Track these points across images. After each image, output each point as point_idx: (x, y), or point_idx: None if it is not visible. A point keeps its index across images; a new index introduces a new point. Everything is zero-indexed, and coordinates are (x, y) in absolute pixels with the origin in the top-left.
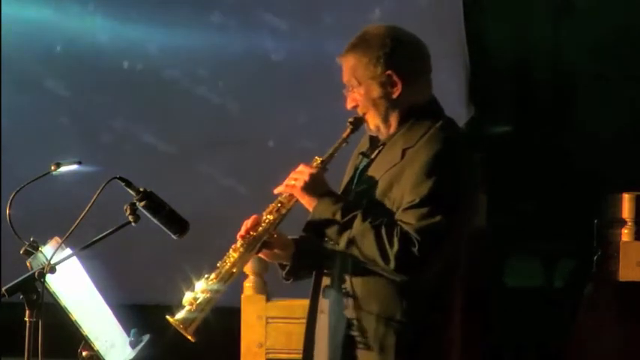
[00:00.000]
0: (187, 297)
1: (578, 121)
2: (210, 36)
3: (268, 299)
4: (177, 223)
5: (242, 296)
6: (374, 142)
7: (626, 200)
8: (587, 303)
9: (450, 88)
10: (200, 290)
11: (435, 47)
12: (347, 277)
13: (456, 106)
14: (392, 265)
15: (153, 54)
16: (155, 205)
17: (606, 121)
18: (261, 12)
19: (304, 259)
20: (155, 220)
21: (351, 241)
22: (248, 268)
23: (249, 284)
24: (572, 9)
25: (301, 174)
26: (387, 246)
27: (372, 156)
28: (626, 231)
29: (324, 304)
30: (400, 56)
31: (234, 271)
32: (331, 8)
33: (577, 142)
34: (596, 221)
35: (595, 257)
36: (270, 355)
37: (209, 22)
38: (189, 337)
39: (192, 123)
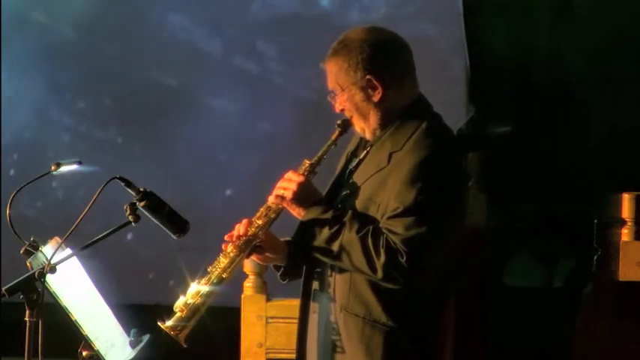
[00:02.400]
0: (179, 302)
1: (578, 121)
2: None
3: (268, 299)
4: (177, 222)
5: (242, 296)
6: (363, 141)
7: (626, 200)
8: (587, 303)
9: (450, 88)
10: (191, 295)
11: (435, 47)
12: (333, 281)
13: (456, 106)
14: (379, 275)
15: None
16: (155, 204)
17: (606, 121)
18: None
19: (298, 259)
20: (155, 220)
21: (340, 251)
22: (248, 268)
23: (249, 284)
24: (571, 9)
25: (289, 182)
26: (374, 257)
27: (361, 156)
28: (626, 231)
29: (315, 305)
30: (378, 60)
31: (225, 276)
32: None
33: (577, 142)
34: (596, 221)
35: (595, 257)
36: (270, 355)
37: None
38: (181, 343)
39: (196, 126)
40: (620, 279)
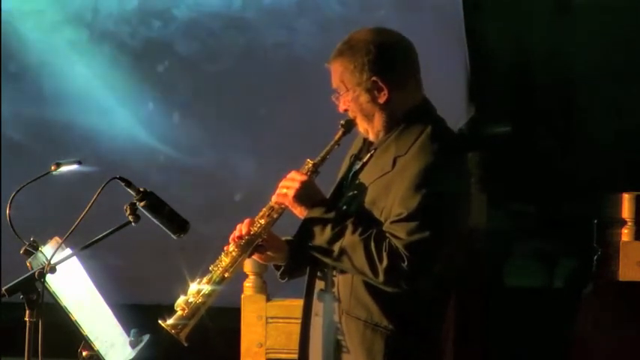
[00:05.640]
0: (180, 301)
1: (578, 121)
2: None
3: (268, 299)
4: (177, 222)
5: (242, 296)
6: (367, 144)
7: (626, 200)
8: (587, 303)
9: (450, 88)
10: (192, 294)
11: (435, 47)
12: (337, 282)
13: (456, 106)
14: (381, 278)
15: None
16: (155, 204)
17: (606, 121)
18: None
19: (298, 259)
20: (155, 220)
21: (342, 252)
22: (248, 268)
23: (249, 284)
24: (571, 9)
25: (292, 182)
26: (377, 260)
27: (365, 159)
28: (626, 231)
29: (318, 306)
30: (385, 62)
31: (227, 275)
32: (336, 5)
33: (577, 141)
34: (596, 221)
35: (595, 257)
36: (270, 355)
37: None
38: (182, 342)
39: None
40: (620, 279)
